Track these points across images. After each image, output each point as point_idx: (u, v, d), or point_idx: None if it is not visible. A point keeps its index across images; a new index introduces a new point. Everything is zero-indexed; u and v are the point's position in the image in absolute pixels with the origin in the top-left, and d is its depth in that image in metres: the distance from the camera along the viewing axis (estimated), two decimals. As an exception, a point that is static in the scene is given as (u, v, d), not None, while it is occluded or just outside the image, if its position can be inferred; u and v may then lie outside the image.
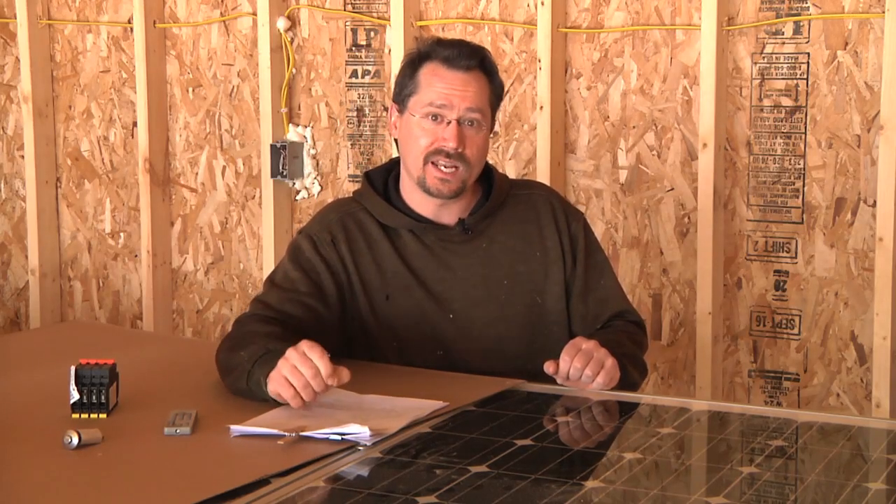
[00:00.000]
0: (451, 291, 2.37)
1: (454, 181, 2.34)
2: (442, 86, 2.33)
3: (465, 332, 2.36)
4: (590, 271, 2.45)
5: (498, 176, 2.47)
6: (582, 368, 2.14)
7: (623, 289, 2.56)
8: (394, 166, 2.47)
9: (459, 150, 2.32)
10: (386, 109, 3.57)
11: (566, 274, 2.43)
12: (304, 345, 1.99)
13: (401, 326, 2.36)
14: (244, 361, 2.08)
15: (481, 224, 2.42)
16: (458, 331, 2.36)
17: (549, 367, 2.16)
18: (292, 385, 1.96)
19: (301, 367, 1.96)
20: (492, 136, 3.48)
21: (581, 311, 2.43)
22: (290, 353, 1.98)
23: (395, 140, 2.44)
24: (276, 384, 1.98)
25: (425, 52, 2.38)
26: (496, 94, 2.40)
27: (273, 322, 2.24)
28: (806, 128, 3.16)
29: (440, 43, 2.40)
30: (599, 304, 2.44)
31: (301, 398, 1.96)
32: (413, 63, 2.39)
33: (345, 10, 3.70)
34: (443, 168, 2.33)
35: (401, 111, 2.39)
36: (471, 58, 2.35)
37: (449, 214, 2.41)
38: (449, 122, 2.32)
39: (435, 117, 2.33)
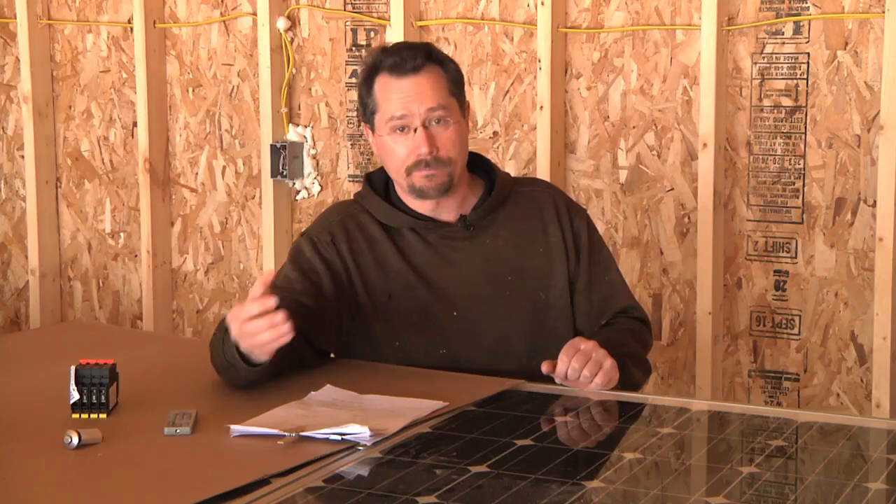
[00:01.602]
0: (455, 288, 2.38)
1: (439, 175, 2.34)
2: (396, 96, 2.33)
3: (469, 329, 2.36)
4: (594, 267, 2.45)
5: (500, 173, 2.48)
6: (580, 369, 2.14)
7: (627, 284, 2.56)
8: (393, 168, 2.48)
9: (433, 153, 2.32)
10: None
11: (570, 270, 2.43)
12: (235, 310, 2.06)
13: (403, 325, 2.36)
14: (216, 344, 2.16)
15: (484, 220, 2.42)
16: (461, 328, 2.36)
17: (545, 367, 2.17)
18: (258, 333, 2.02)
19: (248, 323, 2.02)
20: (491, 135, 3.49)
21: (585, 307, 2.43)
22: (231, 319, 2.06)
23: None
24: (249, 345, 2.05)
25: (373, 64, 2.38)
26: (454, 80, 2.39)
27: None
28: (806, 128, 3.16)
29: (384, 51, 2.39)
30: (604, 300, 2.44)
31: (277, 334, 2.01)
32: (367, 80, 2.39)
33: (345, 10, 3.70)
34: (424, 171, 2.34)
35: (372, 130, 2.41)
36: (415, 58, 2.35)
37: (449, 212, 2.41)
38: (415, 129, 2.33)
39: (402, 129, 2.34)
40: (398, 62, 2.34)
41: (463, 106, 2.41)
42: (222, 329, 2.15)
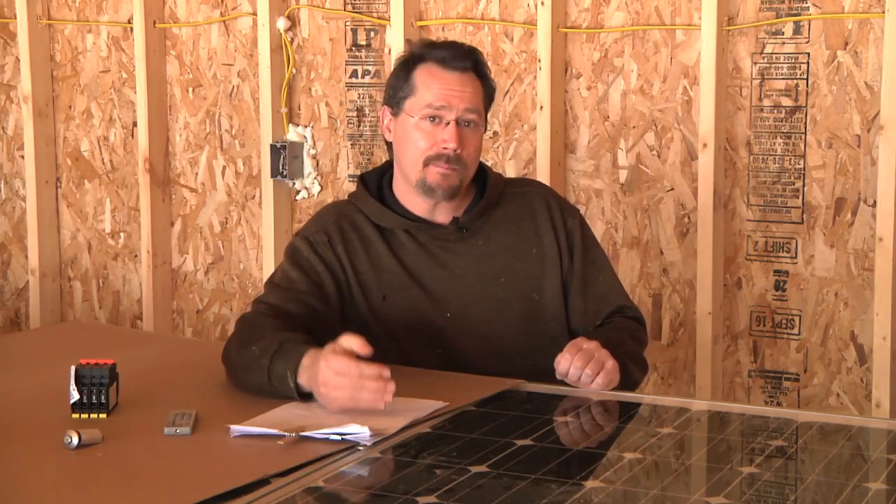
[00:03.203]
0: (448, 290, 2.38)
1: (453, 176, 2.34)
2: (439, 86, 2.34)
3: (463, 331, 2.37)
4: (588, 267, 2.45)
5: (492, 174, 2.48)
6: (582, 368, 2.14)
7: (622, 284, 2.56)
8: (387, 168, 2.48)
9: (458, 151, 2.32)
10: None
11: (563, 270, 2.43)
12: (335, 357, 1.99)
13: (398, 326, 2.36)
14: (259, 357, 2.09)
15: (476, 222, 2.42)
16: (455, 329, 2.36)
17: (558, 362, 2.17)
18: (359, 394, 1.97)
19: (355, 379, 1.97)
20: (491, 135, 3.49)
21: (580, 307, 2.43)
22: (327, 366, 1.98)
23: (388, 144, 2.44)
24: (335, 402, 1.98)
25: (419, 54, 2.38)
26: (489, 96, 2.42)
27: (277, 317, 2.24)
28: (806, 128, 3.16)
29: (433, 45, 2.41)
30: (598, 299, 2.44)
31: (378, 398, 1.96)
32: (406, 65, 2.39)
33: (345, 10, 3.70)
34: (443, 166, 2.33)
35: (395, 113, 2.39)
36: (466, 59, 2.36)
37: (443, 214, 2.42)
38: (448, 123, 2.33)
39: (433, 118, 2.33)
40: (449, 56, 2.36)
41: (486, 123, 2.42)
42: (273, 345, 2.09)
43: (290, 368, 2.03)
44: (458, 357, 2.35)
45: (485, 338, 2.37)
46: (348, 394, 1.96)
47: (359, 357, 2.00)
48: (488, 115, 2.45)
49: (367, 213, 2.42)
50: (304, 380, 2.03)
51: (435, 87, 2.34)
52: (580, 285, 2.43)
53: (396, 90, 2.39)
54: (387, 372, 1.96)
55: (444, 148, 2.32)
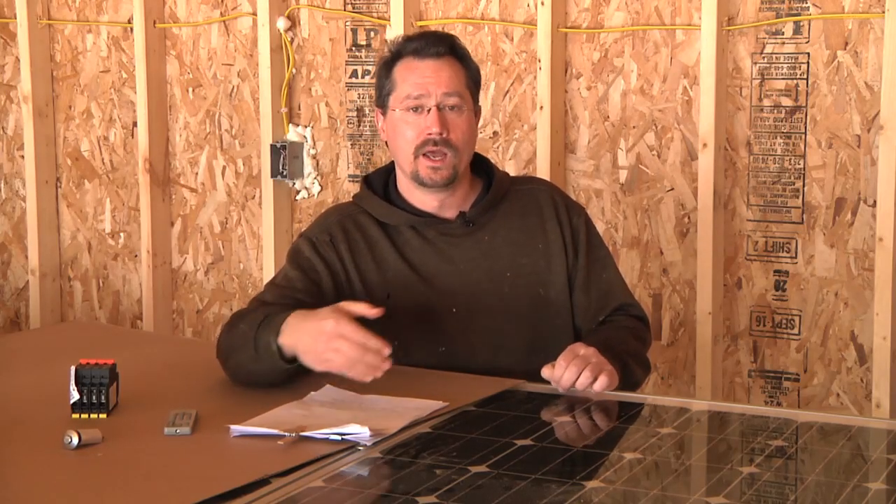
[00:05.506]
0: (454, 285, 2.38)
1: (445, 167, 2.35)
2: (415, 76, 2.35)
3: (468, 326, 2.37)
4: (592, 264, 2.45)
5: (498, 171, 2.49)
6: (578, 371, 2.13)
7: (626, 282, 2.56)
8: (393, 168, 2.48)
9: (444, 134, 2.33)
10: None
11: (568, 266, 2.44)
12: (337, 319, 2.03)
13: (402, 324, 2.36)
14: (246, 331, 2.13)
15: (483, 217, 2.43)
16: (460, 324, 2.37)
17: (545, 372, 2.16)
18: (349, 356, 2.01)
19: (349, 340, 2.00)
20: (491, 135, 3.49)
21: (584, 303, 2.43)
22: (326, 325, 2.02)
23: (386, 143, 2.46)
24: (328, 362, 2.03)
25: (396, 50, 2.41)
26: (472, 77, 2.42)
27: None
28: (806, 128, 3.16)
29: (408, 38, 2.43)
30: (602, 297, 2.45)
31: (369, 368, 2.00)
32: (387, 64, 2.41)
33: (345, 10, 3.70)
34: (431, 157, 2.34)
35: (384, 113, 2.41)
36: (439, 45, 2.38)
37: (449, 209, 2.42)
38: (429, 110, 2.34)
39: (416, 108, 2.35)
40: (422, 46, 2.37)
41: (476, 105, 2.43)
42: (259, 317, 2.13)
43: (272, 334, 2.08)
44: (462, 353, 2.35)
45: (489, 333, 2.37)
46: (345, 360, 2.01)
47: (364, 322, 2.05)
48: (479, 100, 2.44)
49: (371, 212, 2.42)
50: (286, 339, 2.07)
51: (411, 78, 2.36)
52: (584, 282, 2.44)
53: (381, 90, 2.42)
54: (387, 350, 2.00)
55: (429, 134, 2.33)
